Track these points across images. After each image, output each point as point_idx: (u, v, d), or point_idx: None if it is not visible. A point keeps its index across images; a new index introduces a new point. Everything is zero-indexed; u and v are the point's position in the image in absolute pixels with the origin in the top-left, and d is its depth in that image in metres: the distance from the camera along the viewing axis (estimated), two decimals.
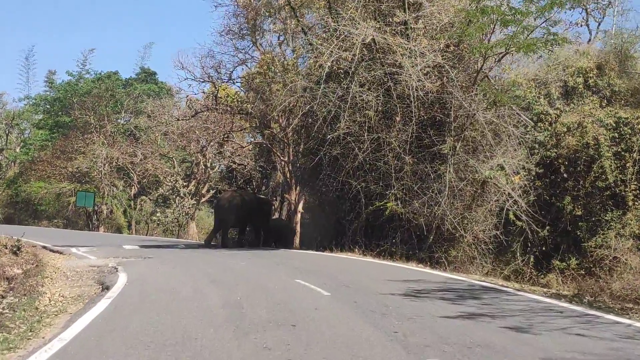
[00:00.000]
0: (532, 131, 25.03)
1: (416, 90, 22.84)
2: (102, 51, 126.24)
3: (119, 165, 56.31)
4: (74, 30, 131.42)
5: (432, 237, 23.70)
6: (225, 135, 38.13)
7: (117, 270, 17.22)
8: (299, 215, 37.88)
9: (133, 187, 58.87)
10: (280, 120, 38.26)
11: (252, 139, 41.97)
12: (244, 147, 42.49)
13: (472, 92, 23.35)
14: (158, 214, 50.96)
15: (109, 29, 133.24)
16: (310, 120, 26.71)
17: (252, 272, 17.11)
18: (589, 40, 34.85)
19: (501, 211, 23.66)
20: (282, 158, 38.66)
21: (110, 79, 65.30)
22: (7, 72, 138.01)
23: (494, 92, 22.83)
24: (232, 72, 38.28)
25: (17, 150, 71.20)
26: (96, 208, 55.88)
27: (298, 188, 37.85)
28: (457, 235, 23.47)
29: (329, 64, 24.09)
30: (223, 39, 37.05)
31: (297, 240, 35.94)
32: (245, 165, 47.33)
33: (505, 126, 23.49)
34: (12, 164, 68.36)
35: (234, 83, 40.12)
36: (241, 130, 41.34)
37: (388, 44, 23.88)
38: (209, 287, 13.83)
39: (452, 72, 23.44)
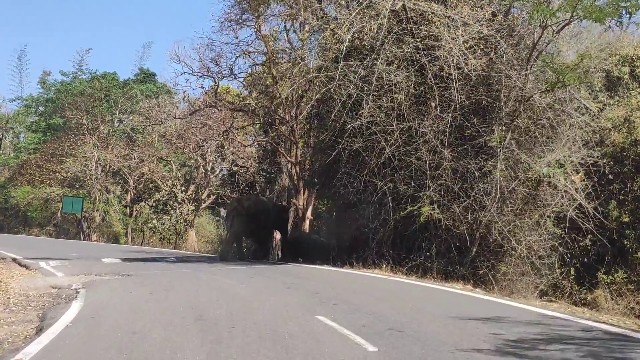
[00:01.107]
0: (598, 120, 20.09)
1: (457, 68, 18.11)
2: (100, 52, 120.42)
3: (114, 169, 51.34)
4: (70, 30, 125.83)
5: (475, 250, 18.70)
6: (226, 133, 32.89)
7: (76, 295, 13.21)
8: (307, 222, 33.05)
9: (129, 193, 53.89)
10: (287, 116, 33.40)
11: (255, 138, 36.45)
12: (246, 146, 37.30)
13: (527, 70, 18.34)
14: (154, 221, 45.83)
15: (107, 29, 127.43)
16: (325, 107, 21.66)
17: (254, 302, 12.10)
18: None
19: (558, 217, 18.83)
20: (288, 158, 33.71)
21: (106, 79, 60.30)
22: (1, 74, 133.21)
23: (558, 70, 17.75)
24: (233, 65, 33.39)
25: (12, 154, 66.29)
26: (87, 215, 50.85)
27: (307, 192, 33.08)
28: (506, 246, 18.50)
29: (349, 36, 19.32)
30: (223, 26, 32.06)
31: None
32: (247, 168, 42.35)
33: (568, 113, 18.54)
34: (3, 168, 63.30)
35: (235, 78, 34.90)
36: (243, 127, 36.07)
37: (422, 12, 19.01)
38: (189, 331, 9.03)
39: (502, 46, 18.46)
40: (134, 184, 52.18)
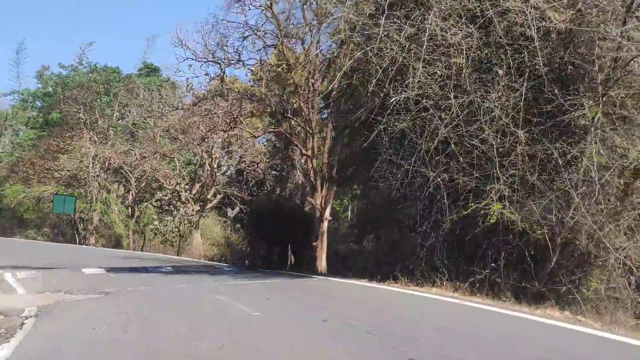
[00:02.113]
0: None
1: (533, 24, 13.25)
2: (103, 47, 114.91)
3: (114, 166, 46.70)
4: (72, 24, 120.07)
5: (554, 259, 13.94)
6: (233, 122, 28.04)
7: (19, 328, 9.04)
8: (325, 224, 28.14)
9: (131, 192, 49.22)
10: (302, 105, 28.63)
11: (265, 129, 31.55)
12: (256, 137, 32.37)
13: (626, 24, 13.63)
14: (155, 222, 41.11)
15: (111, 24, 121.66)
16: (361, 77, 16.83)
17: (273, 346, 7.30)
18: None
19: None
20: (304, 151, 28.82)
21: (106, 71, 55.55)
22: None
23: None
24: (240, 50, 28.70)
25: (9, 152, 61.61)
26: (84, 216, 46.15)
27: (324, 189, 28.24)
28: (595, 256, 13.77)
29: None
30: (230, 4, 27.29)
31: (321, 262, 26.48)
32: (257, 164, 37.61)
33: None
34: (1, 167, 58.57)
35: (243, 65, 30.02)
36: (252, 116, 31.18)
37: None
38: None
39: None
40: (135, 182, 47.55)
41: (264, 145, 39.80)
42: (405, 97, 14.55)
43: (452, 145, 14.62)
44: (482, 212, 13.98)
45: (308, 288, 14.41)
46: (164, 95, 41.32)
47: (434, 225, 15.06)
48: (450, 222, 14.72)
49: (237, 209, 45.23)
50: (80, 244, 46.14)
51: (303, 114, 28.86)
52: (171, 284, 15.00)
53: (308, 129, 28.34)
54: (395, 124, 14.95)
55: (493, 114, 14.21)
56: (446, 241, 14.96)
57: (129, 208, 49.27)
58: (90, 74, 55.40)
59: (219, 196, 43.96)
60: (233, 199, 43.12)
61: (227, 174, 45.95)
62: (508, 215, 13.75)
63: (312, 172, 28.06)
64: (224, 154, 44.53)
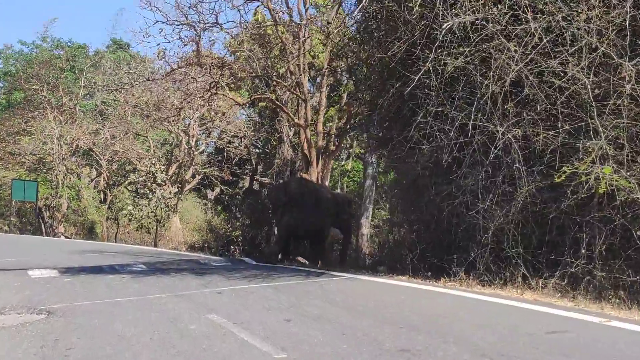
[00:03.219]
0: None
1: None
2: (68, 23, 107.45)
3: (82, 148, 41.91)
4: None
5: None
6: (213, 87, 23.25)
7: None
8: None
9: (103, 175, 44.48)
10: (291, 68, 24.32)
11: (250, 100, 26.72)
12: (242, 105, 27.54)
13: None
14: (129, 207, 36.40)
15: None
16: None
17: None
18: None
19: None
20: (296, 120, 24.41)
21: (72, 47, 50.45)
22: None
23: None
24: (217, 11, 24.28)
25: None
26: (49, 202, 41.30)
27: (320, 163, 24.04)
28: None
29: None
30: None
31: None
32: (241, 139, 32.98)
33: None
34: None
35: (221, 29, 25.28)
36: (236, 81, 26.38)
37: None
38: None
39: None
40: (107, 165, 42.78)
41: (246, 120, 35.20)
42: (461, 23, 10.06)
43: (527, 89, 10.16)
44: (580, 178, 9.54)
45: (340, 295, 9.90)
46: (134, 67, 36.44)
47: (501, 200, 10.59)
48: (529, 194, 10.26)
49: (217, 189, 40.92)
50: (47, 234, 41.27)
51: (292, 78, 24.51)
52: (142, 294, 10.44)
53: (299, 94, 23.99)
54: (445, 61, 10.47)
55: (583, 41, 9.76)
56: (520, 222, 10.47)
57: (101, 193, 44.55)
58: (54, 50, 50.22)
59: (198, 177, 39.36)
60: (213, 179, 38.53)
61: (206, 152, 41.39)
62: (620, 182, 9.33)
63: (305, 144, 23.77)
64: (201, 133, 39.92)
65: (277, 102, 25.16)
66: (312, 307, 8.65)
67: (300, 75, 24.11)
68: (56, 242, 32.15)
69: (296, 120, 24.42)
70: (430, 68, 10.38)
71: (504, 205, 10.62)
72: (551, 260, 10.24)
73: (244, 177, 39.44)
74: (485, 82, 10.28)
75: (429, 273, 11.21)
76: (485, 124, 10.49)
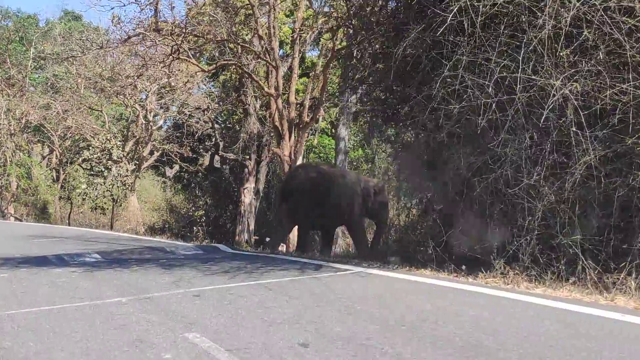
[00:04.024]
0: None
1: None
2: None
3: (33, 123, 38.70)
4: None
5: None
6: (175, 52, 20.45)
7: None
8: None
9: (55, 153, 41.30)
10: (260, 32, 21.74)
11: (217, 65, 23.82)
12: (206, 71, 24.64)
13: None
14: (83, 186, 33.48)
15: None
16: None
17: None
18: None
19: None
20: (267, 89, 21.79)
21: (20, 17, 46.86)
22: None
23: None
24: None
25: None
26: None
27: (293, 137, 21.54)
28: None
29: None
30: None
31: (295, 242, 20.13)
32: (204, 112, 30.21)
33: None
34: None
35: None
36: (197, 47, 23.48)
37: None
38: None
39: None
40: (59, 141, 39.60)
41: (208, 92, 32.37)
42: None
43: (587, 32, 7.80)
44: None
45: (358, 299, 7.40)
46: (86, 36, 33.27)
47: (551, 173, 8.23)
48: (584, 166, 7.91)
49: (176, 167, 38.20)
50: None
51: (261, 44, 21.91)
52: (96, 297, 7.88)
53: (269, 61, 21.42)
54: None
55: None
56: (576, 201, 8.12)
57: (54, 171, 41.39)
58: (1, 21, 46.59)
59: (156, 154, 36.48)
60: (172, 156, 35.71)
61: (164, 127, 38.53)
62: None
63: (276, 115, 21.22)
64: (160, 107, 36.99)
65: (245, 69, 22.50)
66: (329, 319, 6.19)
67: (271, 39, 21.49)
68: (2, 225, 29.06)
69: (266, 90, 21.83)
70: (468, 3, 7.90)
71: (554, 181, 8.25)
72: (621, 250, 7.92)
73: (206, 153, 36.84)
74: (536, 22, 7.86)
75: (463, 267, 8.76)
76: (532, 77, 8.07)
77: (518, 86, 8.09)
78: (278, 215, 17.70)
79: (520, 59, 8.01)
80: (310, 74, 23.95)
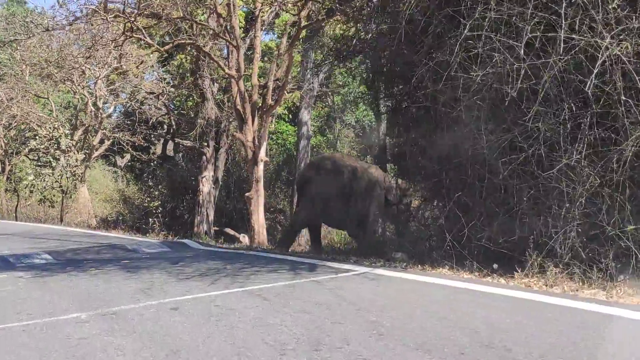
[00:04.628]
0: None
1: None
2: None
3: None
4: None
5: None
6: (129, 30, 18.55)
7: None
8: (261, 167, 19.97)
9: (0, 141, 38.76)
10: (219, 9, 20.07)
11: (172, 45, 21.84)
12: (161, 51, 22.65)
13: None
14: (30, 178, 31.28)
15: None
16: None
17: None
18: None
19: None
20: (227, 70, 20.09)
21: None
22: None
23: None
24: None
25: None
26: None
27: (256, 121, 19.96)
28: None
29: None
30: None
31: (258, 223, 18.65)
32: (158, 97, 28.28)
33: None
34: None
35: None
36: (148, 27, 21.47)
37: None
38: None
39: None
40: (4, 131, 37.10)
41: (162, 75, 30.34)
42: None
43: None
44: None
45: (378, 310, 5.84)
46: (31, 19, 30.96)
47: (594, 152, 6.81)
48: (635, 142, 6.51)
49: (128, 156, 36.19)
50: None
51: (220, 21, 20.23)
52: (49, 311, 6.21)
53: (230, 40, 19.76)
54: None
55: None
56: (626, 184, 6.72)
57: None
58: None
59: (107, 142, 34.31)
60: (124, 144, 33.61)
61: (115, 115, 36.39)
62: None
63: (238, 98, 19.57)
64: (109, 94, 34.77)
65: (203, 49, 20.72)
66: (358, 343, 4.65)
67: (231, 16, 19.74)
68: None
69: (227, 71, 20.08)
70: None
71: (597, 160, 6.83)
72: None
73: (158, 142, 34.96)
74: None
75: (496, 266, 7.28)
76: (572, 37, 6.62)
77: (555, 48, 6.62)
78: (296, 211, 16.07)
79: (563, 14, 6.53)
80: (274, 53, 22.24)
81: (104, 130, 33.53)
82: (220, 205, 27.64)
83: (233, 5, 19.80)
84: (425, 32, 7.87)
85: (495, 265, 7.23)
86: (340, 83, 31.86)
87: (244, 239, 22.32)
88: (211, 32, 21.35)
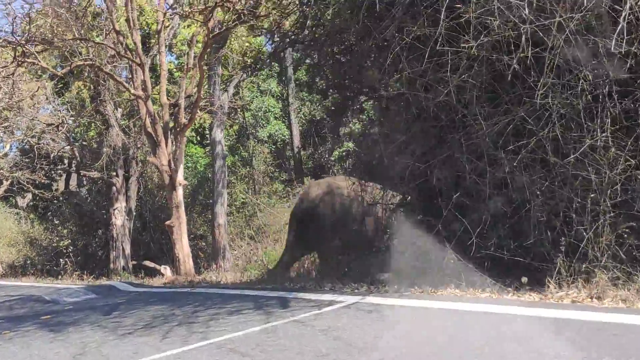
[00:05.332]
0: None
1: None
2: None
3: None
4: None
5: None
6: (20, 55, 16.38)
7: None
8: (180, 192, 18.21)
9: None
10: (117, 27, 18.28)
11: (71, 67, 19.61)
12: (59, 74, 20.37)
13: None
14: None
15: None
16: None
17: None
18: None
19: None
20: (133, 91, 18.25)
21: None
22: None
23: None
24: None
25: None
26: None
27: (170, 142, 18.28)
28: None
29: None
30: None
31: (183, 252, 17.05)
32: (58, 128, 25.87)
33: None
34: None
35: None
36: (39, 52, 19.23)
37: None
38: None
39: None
40: None
41: (60, 105, 27.90)
42: None
43: None
44: None
45: None
46: None
47: (618, 129, 5.46)
48: None
49: (29, 195, 33.50)
50: None
51: (121, 39, 18.41)
52: None
53: (132, 57, 17.99)
54: None
55: None
56: None
57: None
58: None
59: (5, 183, 31.51)
60: (24, 184, 30.85)
61: (11, 154, 33.51)
62: None
63: (147, 120, 17.79)
64: (3, 132, 31.94)
65: (103, 70, 18.75)
66: None
67: (132, 33, 17.93)
68: None
69: (133, 91, 18.20)
70: None
71: (624, 138, 5.49)
72: None
73: (60, 178, 32.45)
74: None
75: (525, 280, 5.78)
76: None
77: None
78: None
79: None
80: (183, 68, 20.42)
81: (1, 171, 30.76)
82: (136, 237, 25.63)
83: (132, 20, 17.97)
84: (392, 4, 6.37)
85: (524, 279, 5.76)
86: (249, 98, 30.39)
87: (166, 270, 20.43)
88: (111, 52, 19.45)
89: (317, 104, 30.20)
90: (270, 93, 31.42)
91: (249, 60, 25.10)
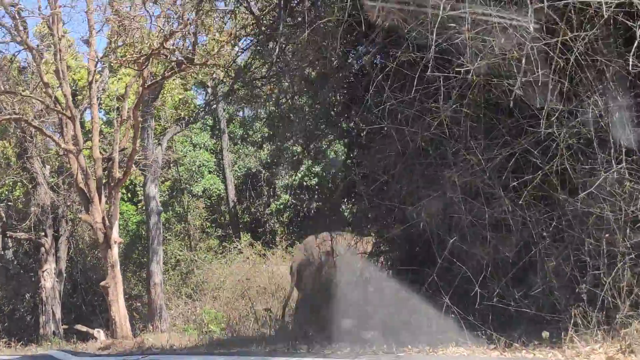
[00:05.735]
0: None
1: None
2: None
3: None
4: None
5: None
6: None
7: None
8: (115, 251, 17.08)
9: None
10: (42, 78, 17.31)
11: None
12: None
13: None
14: None
15: None
16: None
17: None
18: None
19: None
20: (63, 145, 17.16)
21: None
22: None
23: None
24: None
25: None
26: None
27: (104, 198, 17.23)
28: None
29: None
30: None
31: (119, 314, 16.01)
32: None
33: None
34: None
35: None
36: None
37: None
38: None
39: None
40: None
41: None
42: None
43: None
44: None
45: None
46: None
47: (631, 160, 4.83)
48: None
49: None
50: None
51: (50, 92, 17.41)
52: None
53: (61, 110, 17.01)
54: None
55: None
56: None
57: None
58: None
59: None
60: None
61: None
62: None
63: (79, 176, 16.71)
64: None
65: (33, 124, 17.59)
66: None
67: (61, 84, 16.94)
68: None
69: (64, 146, 17.09)
70: None
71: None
72: None
73: None
74: None
75: (546, 334, 4.96)
76: None
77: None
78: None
79: None
80: (113, 124, 19.43)
81: None
82: (67, 300, 24.23)
83: (62, 71, 16.95)
84: (372, 27, 5.63)
85: (545, 334, 4.96)
86: (182, 152, 29.41)
87: (99, 334, 19.14)
88: (39, 106, 18.36)
89: (252, 156, 29.63)
90: (204, 146, 30.60)
91: (182, 113, 24.34)
